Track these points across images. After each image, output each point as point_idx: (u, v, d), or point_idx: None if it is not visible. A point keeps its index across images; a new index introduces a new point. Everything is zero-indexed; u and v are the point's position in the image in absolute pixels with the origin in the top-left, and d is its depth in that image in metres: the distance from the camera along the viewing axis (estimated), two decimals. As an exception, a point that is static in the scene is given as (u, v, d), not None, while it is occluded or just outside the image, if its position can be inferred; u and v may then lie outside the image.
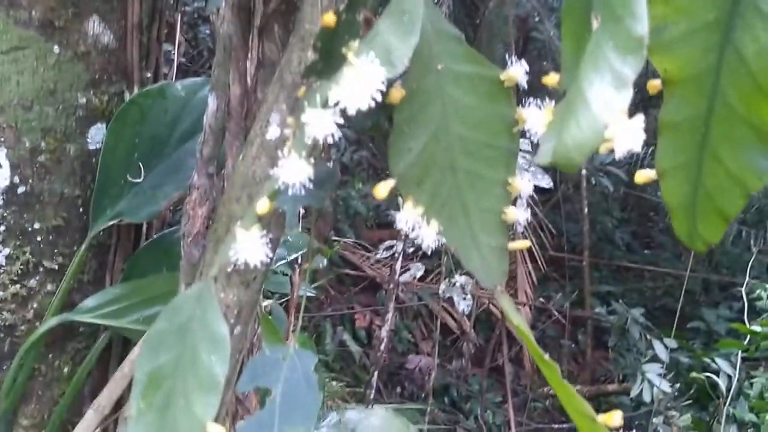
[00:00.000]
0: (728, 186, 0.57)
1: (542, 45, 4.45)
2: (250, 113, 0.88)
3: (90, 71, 1.09)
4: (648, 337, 3.51)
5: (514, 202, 0.65)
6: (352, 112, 0.51)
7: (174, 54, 1.26)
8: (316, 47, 0.62)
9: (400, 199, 0.63)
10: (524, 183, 0.64)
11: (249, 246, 0.56)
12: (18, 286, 1.08)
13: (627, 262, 4.72)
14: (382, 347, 2.94)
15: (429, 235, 0.62)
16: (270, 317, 1.29)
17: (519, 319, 0.63)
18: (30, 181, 1.07)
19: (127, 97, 1.12)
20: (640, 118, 0.45)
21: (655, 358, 3.15)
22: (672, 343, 3.10)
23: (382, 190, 0.61)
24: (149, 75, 1.17)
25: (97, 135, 1.10)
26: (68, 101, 1.07)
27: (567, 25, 0.55)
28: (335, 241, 3.78)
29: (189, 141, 1.11)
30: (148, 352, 0.58)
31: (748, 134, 0.55)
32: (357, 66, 0.51)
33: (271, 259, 0.69)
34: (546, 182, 2.21)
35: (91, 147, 1.10)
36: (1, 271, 1.07)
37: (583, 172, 3.82)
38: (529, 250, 3.84)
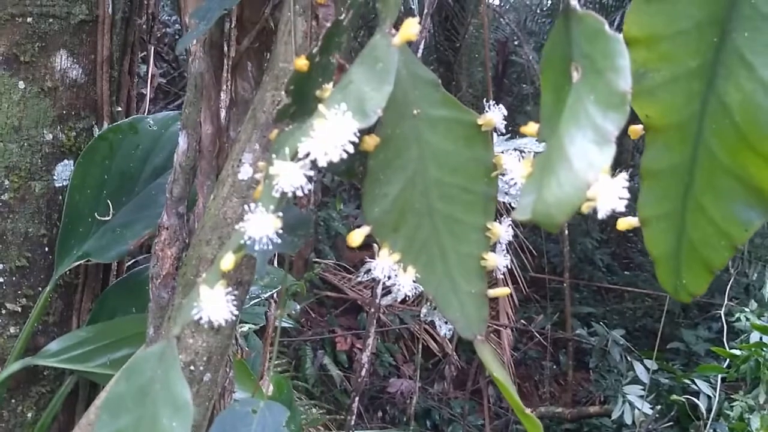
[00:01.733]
0: (714, 237, 0.55)
1: (521, 68, 4.47)
2: (222, 152, 0.85)
3: (57, 107, 1.05)
4: (629, 358, 3.51)
5: (493, 248, 0.63)
6: (323, 164, 0.49)
7: (147, 86, 1.22)
8: (288, 91, 0.60)
9: (375, 246, 0.61)
10: (503, 228, 0.62)
11: (213, 304, 0.53)
12: (-21, 329, 1.04)
13: (607, 283, 4.73)
14: (363, 372, 2.90)
15: (406, 283, 0.60)
16: (245, 350, 1.25)
17: (499, 372, 0.60)
18: (-8, 220, 1.03)
19: (97, 132, 1.09)
20: (623, 176, 0.43)
21: (635, 380, 3.15)
22: (652, 364, 3.10)
23: (357, 237, 0.59)
24: (120, 109, 1.13)
25: (64, 172, 1.06)
26: (34, 138, 1.03)
27: (546, 75, 0.53)
28: (316, 263, 3.75)
29: (161, 176, 1.07)
30: (106, 415, 0.55)
31: (733, 185, 0.53)
32: (329, 118, 0.48)
33: (238, 315, 0.66)
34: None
35: (58, 184, 1.07)
36: (-38, 313, 1.03)
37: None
38: (511, 271, 3.84)
